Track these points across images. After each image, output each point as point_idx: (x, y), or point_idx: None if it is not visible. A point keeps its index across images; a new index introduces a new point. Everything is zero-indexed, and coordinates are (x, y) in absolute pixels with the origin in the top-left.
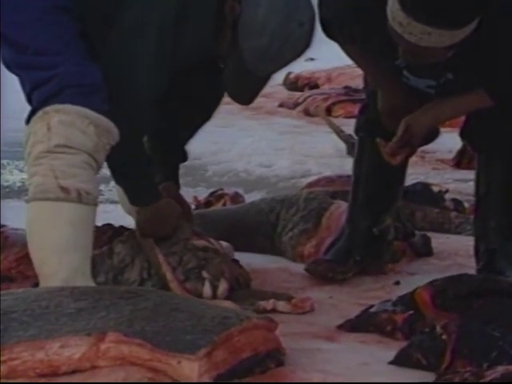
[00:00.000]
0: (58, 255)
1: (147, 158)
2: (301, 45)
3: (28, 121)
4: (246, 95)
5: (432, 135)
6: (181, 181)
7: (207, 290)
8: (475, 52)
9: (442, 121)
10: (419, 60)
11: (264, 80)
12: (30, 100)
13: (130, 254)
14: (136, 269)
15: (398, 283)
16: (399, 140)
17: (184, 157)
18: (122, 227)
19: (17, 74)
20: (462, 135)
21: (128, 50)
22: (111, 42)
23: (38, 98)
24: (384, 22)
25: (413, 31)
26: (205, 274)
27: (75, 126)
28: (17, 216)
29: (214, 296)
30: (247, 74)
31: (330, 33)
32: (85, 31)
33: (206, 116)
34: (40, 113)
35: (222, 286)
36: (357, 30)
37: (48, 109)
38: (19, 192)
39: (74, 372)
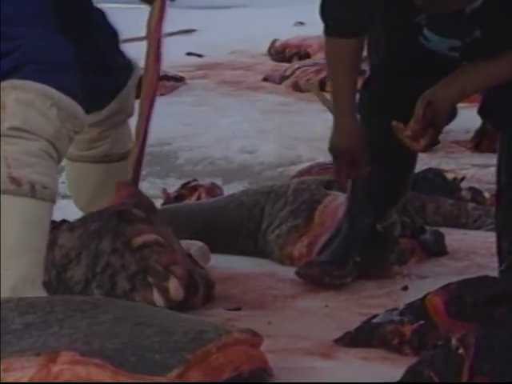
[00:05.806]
0: (4, 260)
1: None
2: None
3: None
4: None
5: (452, 113)
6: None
7: (157, 298)
8: (508, 3)
9: (470, 93)
10: (439, 9)
11: None
12: None
13: (76, 247)
14: (81, 266)
15: (405, 288)
16: (421, 119)
17: None
18: None
19: None
20: (482, 112)
21: None
22: None
23: None
24: None
25: None
26: (150, 279)
27: (34, 106)
28: None
29: (168, 301)
30: None
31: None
32: (61, 7)
33: None
34: None
35: (173, 285)
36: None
37: (4, 84)
38: None
39: None
